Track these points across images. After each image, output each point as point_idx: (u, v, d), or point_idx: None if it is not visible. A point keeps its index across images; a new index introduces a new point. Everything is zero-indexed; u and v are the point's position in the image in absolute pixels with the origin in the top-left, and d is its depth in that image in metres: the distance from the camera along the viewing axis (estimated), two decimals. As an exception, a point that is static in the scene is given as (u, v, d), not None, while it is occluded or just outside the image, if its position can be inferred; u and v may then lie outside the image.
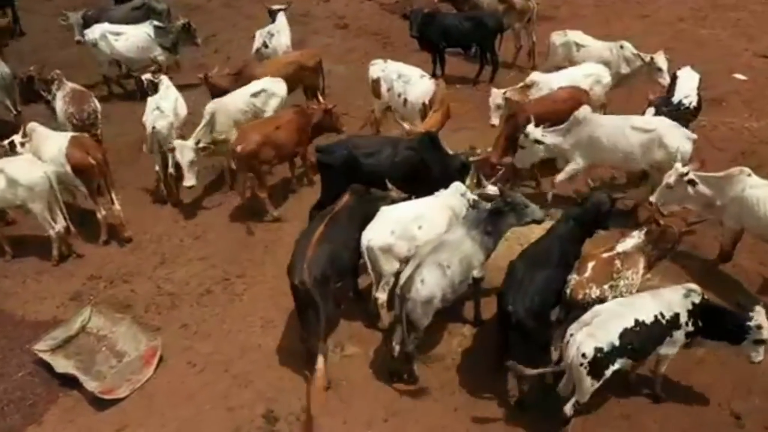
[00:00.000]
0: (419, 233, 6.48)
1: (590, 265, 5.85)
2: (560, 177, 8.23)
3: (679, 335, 5.58)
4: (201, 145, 8.08)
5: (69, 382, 6.27)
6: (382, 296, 6.62)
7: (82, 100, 8.48)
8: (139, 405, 6.11)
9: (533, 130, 7.97)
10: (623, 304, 5.58)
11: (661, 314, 5.49)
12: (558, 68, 10.02)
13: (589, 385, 5.27)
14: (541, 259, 5.96)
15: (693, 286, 5.72)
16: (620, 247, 6.06)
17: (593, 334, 5.26)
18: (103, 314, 6.83)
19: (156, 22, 10.94)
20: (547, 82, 8.92)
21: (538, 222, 6.47)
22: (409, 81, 9.15)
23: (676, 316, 5.52)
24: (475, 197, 6.75)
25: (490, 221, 6.25)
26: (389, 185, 6.87)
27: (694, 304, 5.57)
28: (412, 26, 11.46)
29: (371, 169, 7.43)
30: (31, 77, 9.34)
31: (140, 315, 7.11)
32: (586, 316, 5.44)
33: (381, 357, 6.49)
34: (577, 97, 8.57)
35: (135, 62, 11.12)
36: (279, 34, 10.67)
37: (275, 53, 10.55)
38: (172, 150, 8.03)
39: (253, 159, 7.93)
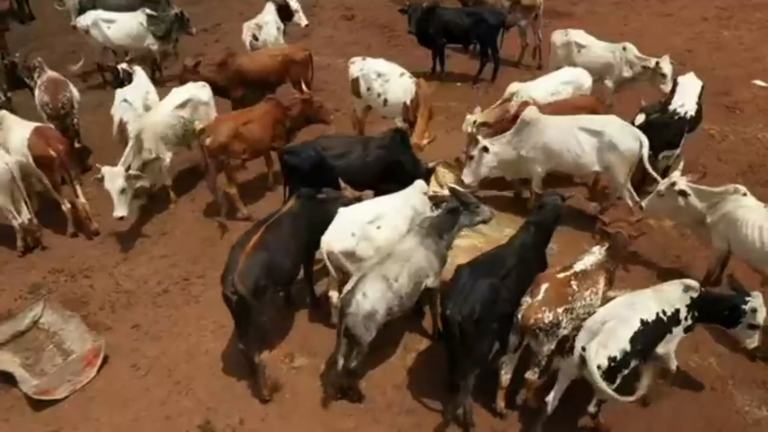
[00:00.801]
0: (377, 234, 6.23)
1: (543, 287, 5.40)
2: (534, 188, 7.89)
3: (678, 330, 5.45)
4: (133, 172, 7.49)
5: (11, 379, 6.18)
6: (336, 294, 6.35)
7: (56, 90, 8.35)
8: (76, 407, 5.97)
9: (483, 139, 7.66)
10: (626, 307, 5.34)
11: (663, 311, 5.35)
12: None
13: (607, 388, 5.06)
14: (491, 267, 5.63)
15: (690, 281, 5.54)
16: (579, 266, 5.61)
17: (605, 344, 5.08)
18: (55, 310, 6.71)
19: (148, 11, 10.76)
20: (527, 92, 8.41)
21: (485, 222, 6.22)
22: (389, 80, 8.79)
23: (676, 312, 5.41)
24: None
25: (444, 223, 6.00)
26: (342, 184, 6.59)
27: (692, 298, 5.45)
28: (410, 21, 11.06)
29: (342, 171, 7.14)
30: (14, 63, 9.26)
31: (94, 312, 6.98)
32: (592, 324, 5.21)
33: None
34: (591, 106, 8.11)
35: (130, 50, 11.00)
36: (267, 26, 10.38)
37: (266, 47, 10.28)
38: None
39: (222, 153, 7.62)
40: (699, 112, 8.12)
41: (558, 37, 9.84)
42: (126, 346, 6.57)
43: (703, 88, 8.33)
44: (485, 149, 7.73)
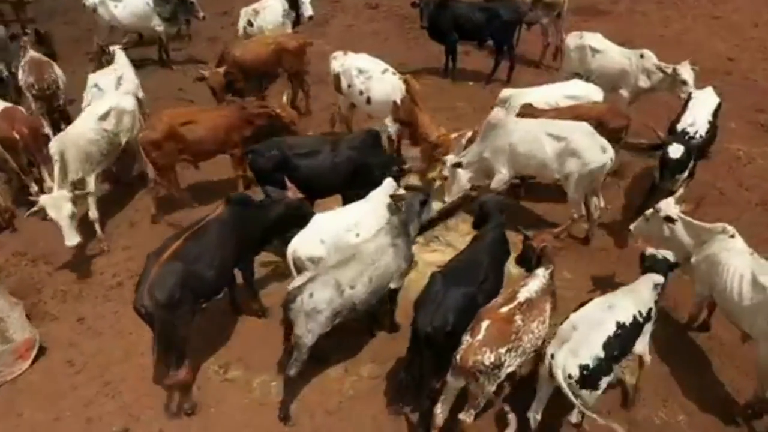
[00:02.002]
0: (356, 240, 5.94)
1: (484, 325, 4.87)
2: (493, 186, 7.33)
3: (649, 326, 5.30)
4: (78, 192, 6.81)
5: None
6: None
7: (41, 70, 8.24)
8: (2, 400, 5.85)
9: (449, 157, 7.22)
10: (601, 309, 5.09)
11: (639, 313, 5.15)
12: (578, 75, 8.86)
13: (589, 395, 4.80)
14: (466, 274, 5.43)
15: (656, 277, 5.40)
16: (523, 294, 5.12)
17: (575, 351, 4.77)
18: (3, 296, 6.63)
19: (154, -8, 10.59)
20: (519, 99, 7.75)
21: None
22: (371, 77, 8.30)
23: (650, 311, 5.26)
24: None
25: (410, 218, 5.94)
26: (288, 184, 6.22)
27: (659, 294, 5.39)
28: (422, 15, 10.46)
29: (308, 171, 6.80)
30: (15, 36, 9.26)
31: (45, 301, 6.89)
32: (563, 330, 4.94)
33: (262, 384, 5.92)
34: (598, 116, 7.36)
35: (136, 30, 10.89)
36: (265, 12, 10.00)
37: (262, 33, 9.93)
38: None
39: (154, 150, 7.20)
40: (712, 132, 7.28)
41: (572, 39, 9.08)
42: (66, 339, 6.43)
43: (719, 105, 7.47)
44: (458, 165, 7.31)
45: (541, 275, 5.31)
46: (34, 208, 6.59)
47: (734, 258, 5.44)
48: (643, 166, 8.85)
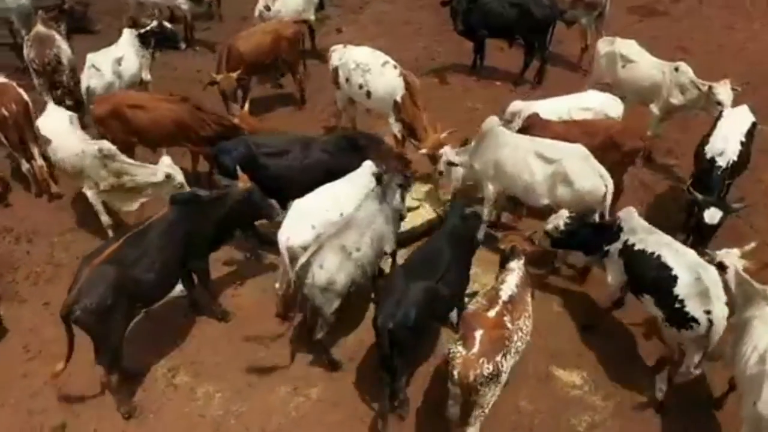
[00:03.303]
0: (341, 220, 5.80)
1: (477, 335, 4.59)
2: (484, 212, 6.76)
3: None
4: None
5: None
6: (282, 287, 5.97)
7: (43, 45, 8.17)
8: (-49, 384, 5.88)
9: (448, 151, 6.77)
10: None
11: None
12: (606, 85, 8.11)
13: None
14: (427, 267, 5.31)
15: None
16: (505, 292, 4.93)
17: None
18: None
19: (179, -31, 10.39)
20: (530, 112, 7.06)
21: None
22: (369, 70, 7.83)
23: None
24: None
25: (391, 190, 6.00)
26: (239, 173, 5.96)
27: None
28: (454, 17, 9.80)
29: (276, 172, 6.50)
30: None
31: (18, 281, 6.87)
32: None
33: (206, 395, 5.67)
34: (608, 133, 6.61)
35: (161, 6, 10.76)
36: (284, -5, 9.60)
37: (278, 17, 9.56)
38: None
39: (100, 125, 7.15)
40: (744, 156, 6.43)
41: (603, 45, 8.29)
42: (28, 323, 6.38)
43: (754, 125, 6.59)
44: (451, 164, 6.86)
45: (516, 268, 5.15)
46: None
47: (760, 328, 4.68)
48: (666, 185, 8.09)
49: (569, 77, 10.28)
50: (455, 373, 4.56)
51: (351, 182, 6.25)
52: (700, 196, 6.09)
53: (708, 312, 4.92)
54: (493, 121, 6.68)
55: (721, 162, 6.36)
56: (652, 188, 8.07)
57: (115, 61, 7.92)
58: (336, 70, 8.15)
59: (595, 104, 7.20)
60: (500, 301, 4.85)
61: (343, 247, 5.47)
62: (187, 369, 5.90)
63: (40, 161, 7.54)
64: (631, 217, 5.74)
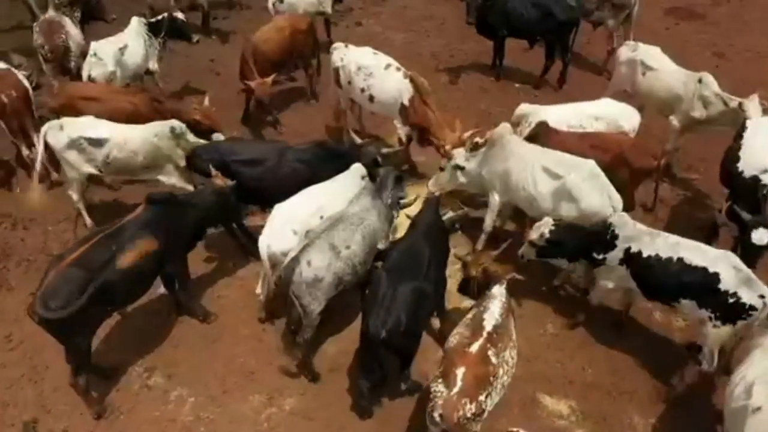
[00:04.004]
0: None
1: (459, 373, 4.29)
2: (487, 221, 6.49)
3: None
4: None
5: None
6: (262, 291, 5.85)
7: (51, 31, 8.12)
8: (-70, 369, 5.89)
9: (458, 153, 6.48)
10: None
11: None
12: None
13: None
14: (409, 266, 5.15)
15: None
16: (489, 322, 4.62)
17: None
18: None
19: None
20: (537, 118, 6.71)
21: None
22: (372, 74, 7.53)
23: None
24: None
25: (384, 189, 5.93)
26: (213, 171, 5.80)
27: None
28: (468, 10, 9.44)
29: (249, 180, 6.28)
30: None
31: (9, 268, 6.85)
32: None
33: (178, 399, 5.55)
34: (615, 148, 6.23)
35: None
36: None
37: (292, 9, 9.33)
38: None
39: (55, 116, 6.98)
40: None
41: (624, 50, 7.84)
42: (12, 313, 6.32)
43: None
44: (458, 168, 6.53)
45: (499, 295, 4.87)
46: None
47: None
48: (686, 202, 7.65)
49: (593, 81, 9.81)
50: (436, 415, 4.29)
51: (338, 185, 6.03)
52: (747, 216, 5.64)
53: (762, 296, 4.90)
54: (505, 128, 6.35)
55: (767, 180, 5.84)
56: (670, 204, 7.63)
57: (118, 51, 7.81)
58: (337, 70, 7.89)
59: (608, 114, 6.79)
60: (484, 333, 4.54)
61: (333, 244, 5.34)
62: (162, 370, 5.79)
63: (39, 148, 7.47)
64: (625, 223, 5.49)
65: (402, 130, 7.70)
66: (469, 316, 4.84)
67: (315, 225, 5.59)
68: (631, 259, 5.42)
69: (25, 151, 7.58)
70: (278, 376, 5.70)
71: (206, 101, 7.48)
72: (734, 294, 4.98)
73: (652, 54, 7.53)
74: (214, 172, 5.80)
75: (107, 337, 6.01)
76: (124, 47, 7.88)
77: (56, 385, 5.67)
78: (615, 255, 5.49)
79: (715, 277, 5.04)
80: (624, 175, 6.10)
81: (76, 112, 6.94)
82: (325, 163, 6.29)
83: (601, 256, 5.55)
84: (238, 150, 6.28)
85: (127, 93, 7.24)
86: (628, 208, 6.46)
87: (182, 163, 6.72)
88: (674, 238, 5.39)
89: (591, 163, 5.85)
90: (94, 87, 7.46)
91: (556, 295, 6.44)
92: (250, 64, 8.23)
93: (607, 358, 5.86)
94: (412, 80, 7.33)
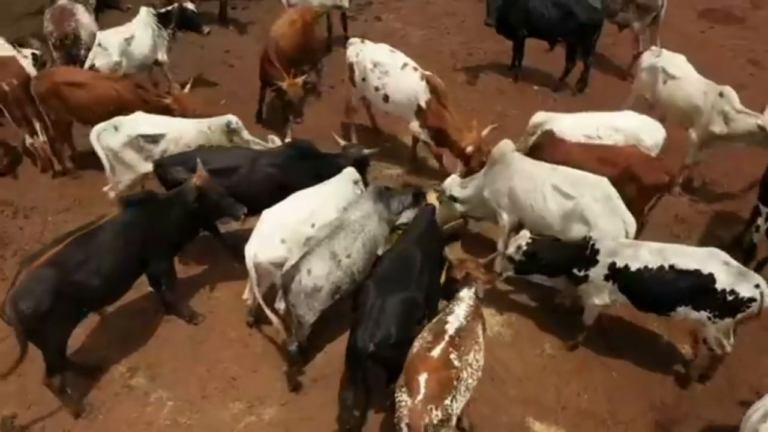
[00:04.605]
0: (313, 232, 5.52)
1: (422, 379, 4.18)
2: (499, 246, 6.16)
3: None
4: None
5: None
6: (283, 305, 5.49)
7: (62, 18, 8.05)
8: None
9: (449, 183, 6.28)
10: None
11: None
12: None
13: None
14: (399, 275, 4.99)
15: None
16: (452, 325, 4.51)
17: None
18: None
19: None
20: (555, 127, 6.36)
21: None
22: (388, 72, 7.26)
23: None
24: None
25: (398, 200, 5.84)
26: (199, 166, 5.63)
27: None
28: (488, 10, 9.11)
29: None
30: None
31: (5, 257, 6.84)
32: None
33: (158, 401, 5.45)
34: (625, 163, 5.89)
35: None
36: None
37: (306, 2, 9.12)
38: None
39: (40, 102, 7.07)
40: None
41: (647, 56, 7.46)
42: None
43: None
44: (452, 199, 6.35)
45: (466, 298, 4.74)
46: None
47: None
48: (707, 219, 7.25)
49: (617, 86, 9.39)
50: (403, 425, 4.18)
51: (329, 190, 5.84)
52: None
53: (757, 285, 4.88)
54: (506, 145, 6.07)
55: None
56: (690, 222, 7.23)
57: (123, 41, 7.72)
58: (351, 66, 7.61)
59: (629, 126, 6.36)
60: (446, 336, 4.45)
61: (334, 254, 5.21)
62: (145, 371, 5.70)
63: (42, 137, 7.48)
64: (604, 237, 5.29)
65: (421, 134, 7.39)
66: (434, 319, 4.73)
67: (306, 233, 5.42)
68: (619, 274, 5.21)
69: (28, 140, 7.56)
70: (260, 384, 5.56)
71: (186, 88, 7.33)
72: (732, 291, 4.93)
73: (675, 61, 7.12)
74: (199, 167, 5.62)
75: (93, 334, 5.96)
76: (130, 38, 7.79)
77: (38, 381, 5.58)
78: (599, 271, 5.28)
79: (710, 278, 4.97)
80: (631, 190, 5.76)
81: (61, 99, 6.95)
82: (299, 164, 6.10)
83: (582, 273, 5.33)
84: (209, 159, 6.00)
85: (111, 79, 7.18)
86: (638, 225, 6.17)
87: None
88: (656, 245, 5.26)
89: (604, 183, 5.54)
90: (78, 73, 7.41)
91: (556, 313, 6.14)
92: (275, 63, 7.89)
93: (606, 385, 5.57)
94: (428, 82, 7.04)
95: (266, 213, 5.64)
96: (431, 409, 4.14)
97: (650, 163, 5.89)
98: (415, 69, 7.25)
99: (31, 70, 7.46)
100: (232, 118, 6.61)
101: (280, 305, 5.54)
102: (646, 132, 6.42)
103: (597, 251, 5.30)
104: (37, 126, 7.40)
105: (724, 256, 5.06)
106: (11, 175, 7.93)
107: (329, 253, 5.19)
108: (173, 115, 6.85)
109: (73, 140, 7.78)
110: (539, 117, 6.65)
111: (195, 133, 6.54)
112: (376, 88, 7.38)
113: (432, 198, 6.92)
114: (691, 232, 7.06)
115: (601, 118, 6.54)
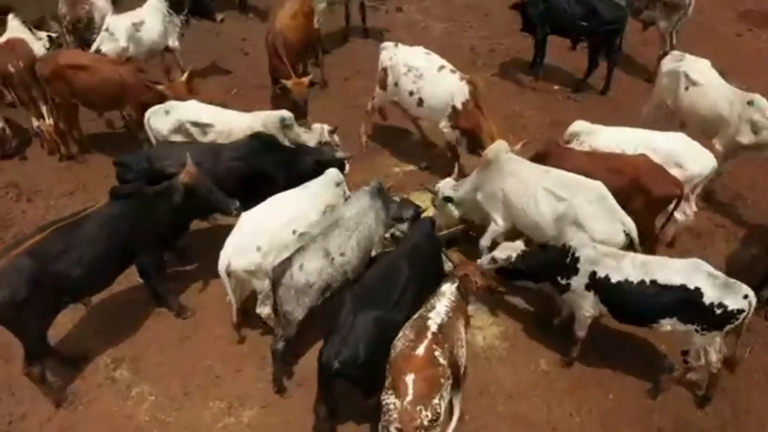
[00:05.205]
0: (293, 239, 5.37)
1: (409, 380, 4.10)
2: (482, 242, 5.97)
3: None
4: None
5: None
6: (265, 310, 5.50)
7: (76, 2, 8.03)
8: None
9: (444, 185, 6.10)
10: None
11: None
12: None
13: None
14: (380, 291, 4.80)
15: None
16: (434, 322, 4.47)
17: None
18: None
19: None
20: (589, 139, 6.04)
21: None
22: (422, 76, 6.99)
23: None
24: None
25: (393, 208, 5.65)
26: (189, 160, 5.51)
27: None
28: (524, 16, 8.82)
29: None
30: None
31: (5, 240, 6.82)
32: None
33: (138, 395, 5.38)
34: (633, 174, 5.56)
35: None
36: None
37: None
38: None
39: (46, 84, 7.09)
40: None
41: (669, 60, 7.04)
42: (-1, 287, 6.35)
43: None
44: (448, 200, 6.13)
45: (447, 293, 4.73)
46: None
47: None
48: (727, 235, 6.86)
49: (642, 88, 8.97)
50: (393, 429, 4.07)
51: (310, 194, 5.68)
52: None
53: (746, 296, 4.72)
54: (500, 146, 5.83)
55: None
56: (710, 238, 6.84)
57: (131, 26, 7.64)
58: (385, 70, 7.36)
59: (671, 150, 5.81)
60: (429, 333, 4.37)
61: (327, 251, 5.11)
62: (129, 364, 5.64)
63: (49, 121, 7.48)
64: (584, 244, 5.05)
65: (450, 135, 7.13)
66: (415, 316, 4.62)
67: (285, 239, 5.29)
68: (598, 284, 4.98)
69: (35, 122, 7.57)
70: (243, 384, 5.45)
71: (185, 76, 7.22)
72: (720, 304, 4.73)
73: (698, 67, 6.71)
74: (189, 162, 5.51)
75: (81, 323, 5.94)
76: (139, 23, 7.71)
77: (17, 370, 5.61)
78: (579, 280, 5.04)
79: (697, 292, 4.76)
80: (639, 202, 5.46)
81: (65, 81, 6.93)
82: (262, 156, 5.97)
83: (564, 281, 5.11)
84: (167, 155, 5.87)
85: (114, 63, 7.16)
86: (651, 240, 5.86)
87: None
88: (640, 258, 5.04)
89: (597, 185, 5.27)
90: (83, 56, 7.41)
91: (555, 327, 5.86)
92: (283, 58, 7.68)
93: (601, 407, 5.28)
94: (470, 83, 6.77)
95: (244, 216, 5.49)
96: (421, 410, 4.05)
97: (660, 174, 5.54)
98: (453, 71, 6.98)
99: (41, 53, 7.45)
100: (286, 114, 6.51)
101: (262, 310, 5.42)
102: (692, 159, 5.83)
103: (577, 259, 5.07)
104: (44, 109, 7.39)
105: (707, 267, 4.88)
106: (20, 157, 7.98)
107: (323, 251, 5.09)
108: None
109: (79, 124, 7.78)
110: (577, 126, 6.26)
111: (246, 128, 6.41)
112: (410, 92, 7.11)
113: (423, 198, 6.81)
114: (707, 249, 6.68)
115: (643, 136, 6.04)
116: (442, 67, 7.04)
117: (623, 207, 5.36)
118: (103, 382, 5.52)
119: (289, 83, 7.46)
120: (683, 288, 4.78)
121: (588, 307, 5.11)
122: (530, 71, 9.48)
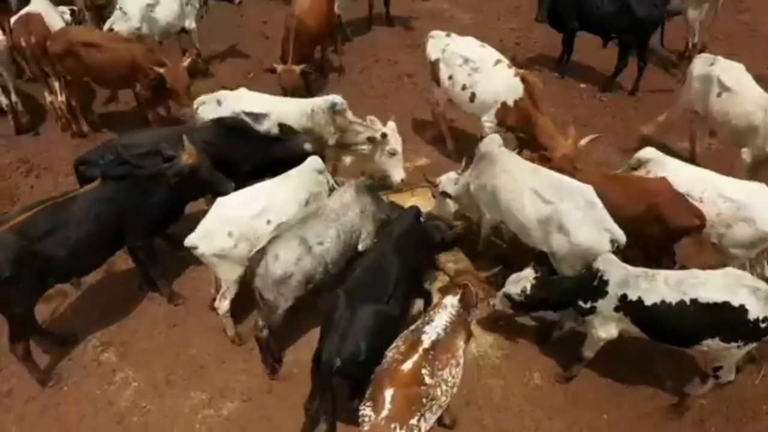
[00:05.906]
0: (268, 229, 5.19)
1: (388, 396, 3.92)
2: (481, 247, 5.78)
3: None
4: None
5: None
6: (224, 305, 5.38)
7: (93, -21, 8.06)
8: None
9: (445, 180, 5.87)
10: None
11: None
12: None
13: None
14: (373, 284, 4.61)
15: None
16: (429, 336, 4.19)
17: None
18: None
19: None
20: (660, 168, 5.45)
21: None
22: (478, 69, 6.59)
23: None
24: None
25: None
26: (185, 142, 5.39)
27: None
28: (540, 6, 8.43)
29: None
30: None
31: (10, 215, 6.90)
32: None
33: (122, 381, 5.34)
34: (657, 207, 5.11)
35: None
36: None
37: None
38: None
39: (56, 62, 7.07)
40: None
41: (700, 63, 6.58)
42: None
43: None
44: (445, 195, 5.93)
45: (449, 305, 4.37)
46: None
47: None
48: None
49: (666, 80, 8.57)
50: None
51: (288, 183, 5.46)
52: None
53: None
54: (492, 140, 5.55)
55: None
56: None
57: (145, 6, 7.56)
58: (437, 63, 6.89)
59: (743, 201, 5.10)
60: (420, 349, 4.11)
61: (304, 239, 4.97)
62: (117, 347, 5.61)
63: (61, 97, 7.49)
64: (613, 266, 4.72)
65: (490, 130, 6.63)
66: (412, 327, 4.37)
67: (260, 228, 5.14)
68: (630, 307, 4.66)
69: (48, 97, 7.59)
70: (226, 376, 5.36)
71: (186, 62, 7.07)
72: (765, 318, 4.43)
73: (732, 71, 6.26)
74: (187, 145, 5.37)
75: (73, 303, 5.94)
76: (154, 3, 7.63)
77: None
78: (607, 303, 4.71)
79: (742, 309, 4.43)
80: (655, 230, 5.10)
81: (76, 58, 6.91)
82: (230, 140, 5.81)
83: (588, 305, 4.77)
84: (137, 143, 5.72)
85: (126, 41, 7.14)
86: (668, 257, 5.49)
87: (331, 141, 6.33)
88: (675, 275, 4.68)
89: (587, 189, 4.96)
90: (95, 33, 7.38)
91: (555, 339, 5.59)
92: (290, 42, 7.46)
93: (593, 427, 5.00)
94: (524, 80, 6.37)
95: (219, 201, 5.31)
96: (395, 427, 3.85)
97: (680, 203, 5.09)
98: (509, 66, 6.59)
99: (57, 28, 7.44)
100: (338, 99, 6.29)
101: (221, 304, 5.33)
102: (762, 219, 5.08)
103: (606, 282, 4.73)
104: (56, 85, 7.40)
105: (748, 278, 4.57)
106: (33, 132, 8.03)
107: (298, 239, 4.95)
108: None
109: (91, 104, 7.81)
110: (647, 153, 5.66)
111: (298, 114, 6.26)
112: (463, 87, 6.66)
113: (422, 195, 6.60)
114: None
115: (715, 182, 5.32)
116: (498, 61, 6.62)
117: (639, 234, 5.05)
118: (89, 364, 5.50)
119: (279, 68, 7.24)
120: (727, 305, 4.46)
121: (609, 329, 4.80)
122: (556, 67, 9.11)
